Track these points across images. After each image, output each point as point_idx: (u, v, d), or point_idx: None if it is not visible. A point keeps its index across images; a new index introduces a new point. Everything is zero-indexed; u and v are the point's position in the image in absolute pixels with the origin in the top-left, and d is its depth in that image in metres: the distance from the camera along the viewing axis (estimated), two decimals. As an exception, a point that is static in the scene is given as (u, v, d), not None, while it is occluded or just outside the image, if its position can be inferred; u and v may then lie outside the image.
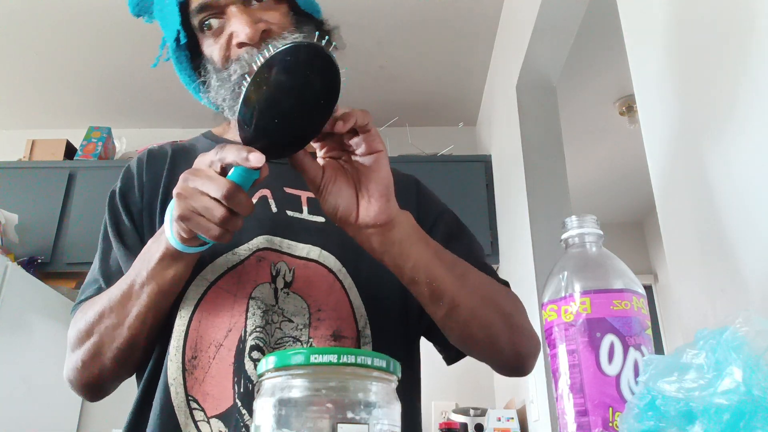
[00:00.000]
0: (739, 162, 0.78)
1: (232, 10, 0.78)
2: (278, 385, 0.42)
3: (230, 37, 0.78)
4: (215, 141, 0.92)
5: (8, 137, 3.31)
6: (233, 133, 0.92)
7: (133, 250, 0.82)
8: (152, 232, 0.82)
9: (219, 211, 0.60)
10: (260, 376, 0.44)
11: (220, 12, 0.79)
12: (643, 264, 4.42)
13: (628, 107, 3.14)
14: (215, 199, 0.60)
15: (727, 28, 0.82)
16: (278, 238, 0.81)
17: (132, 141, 3.14)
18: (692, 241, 0.91)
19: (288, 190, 0.85)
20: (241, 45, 0.77)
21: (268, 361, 0.43)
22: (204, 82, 0.83)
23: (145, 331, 0.75)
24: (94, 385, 0.80)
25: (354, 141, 0.64)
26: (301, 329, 0.76)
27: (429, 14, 2.60)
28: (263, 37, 0.77)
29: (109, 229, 0.85)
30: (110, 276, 0.83)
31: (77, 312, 0.81)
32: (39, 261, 2.61)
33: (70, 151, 3.02)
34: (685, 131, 0.93)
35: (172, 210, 0.65)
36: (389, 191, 0.66)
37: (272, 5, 0.81)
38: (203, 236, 0.63)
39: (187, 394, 0.73)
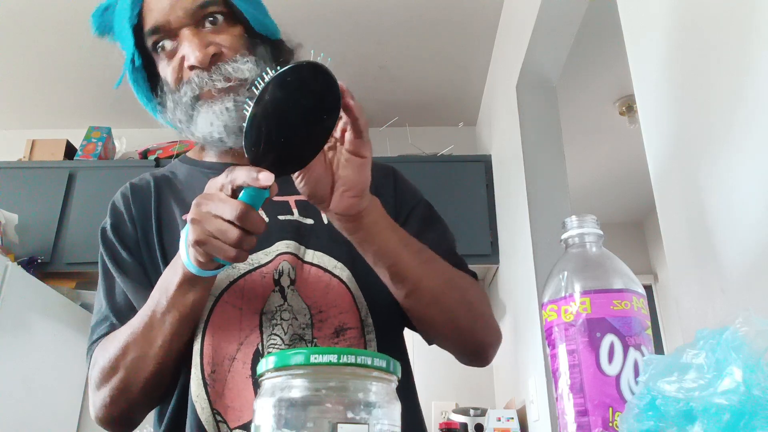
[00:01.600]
0: (739, 162, 0.78)
1: (185, 32, 0.79)
2: (278, 385, 0.42)
3: (182, 59, 0.80)
4: (194, 165, 0.93)
5: (8, 137, 3.31)
6: (210, 156, 0.93)
7: (138, 281, 0.83)
8: (153, 263, 0.83)
9: (234, 233, 0.61)
10: (260, 376, 0.44)
11: (172, 34, 0.80)
12: (643, 264, 4.42)
13: (628, 107, 3.14)
14: (229, 221, 0.61)
15: (727, 27, 0.82)
16: (268, 248, 0.82)
17: (132, 141, 3.14)
18: (692, 242, 0.91)
19: (274, 198, 0.86)
20: (192, 68, 0.79)
21: (268, 361, 0.43)
22: (161, 103, 0.85)
23: (171, 358, 0.76)
24: (123, 418, 0.80)
25: (346, 139, 0.66)
26: (304, 328, 0.78)
27: (429, 14, 2.60)
28: (213, 61, 0.79)
29: (110, 265, 0.86)
30: (120, 310, 0.83)
31: (96, 350, 0.81)
32: (39, 261, 2.61)
33: (70, 151, 3.02)
34: (685, 131, 0.93)
35: (187, 236, 0.66)
36: (363, 191, 0.68)
37: (225, 27, 0.82)
38: (220, 258, 0.64)
39: (212, 408, 0.74)
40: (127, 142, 3.11)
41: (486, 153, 2.95)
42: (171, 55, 0.81)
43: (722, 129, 0.82)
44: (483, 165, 2.83)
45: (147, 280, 0.82)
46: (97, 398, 0.79)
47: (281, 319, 0.77)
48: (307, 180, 0.67)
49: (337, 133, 0.66)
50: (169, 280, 0.72)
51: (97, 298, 0.88)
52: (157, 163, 2.87)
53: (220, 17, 0.81)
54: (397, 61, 2.89)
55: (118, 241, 0.86)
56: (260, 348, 0.76)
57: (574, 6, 1.95)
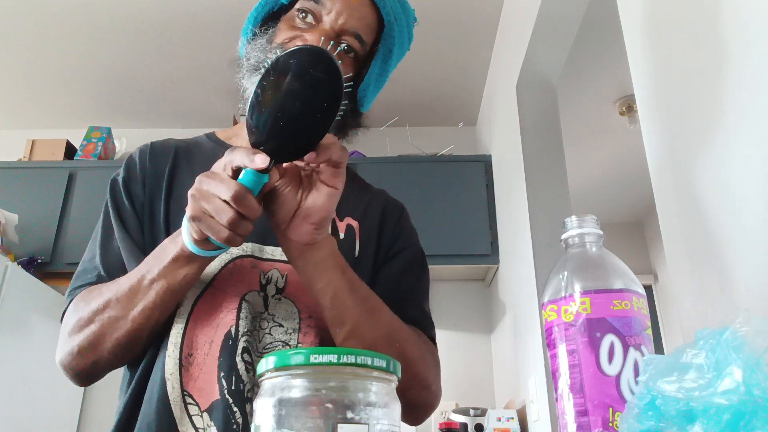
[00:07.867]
0: (739, 161, 0.78)
1: (327, 30, 0.82)
2: (278, 385, 0.42)
3: (303, 37, 0.81)
4: (217, 144, 0.94)
5: (8, 137, 3.31)
6: (242, 138, 0.93)
7: (135, 237, 0.84)
8: (152, 225, 0.84)
9: (227, 213, 0.61)
10: (260, 376, 0.44)
11: (317, 15, 0.83)
12: (643, 264, 4.42)
13: (628, 107, 3.14)
14: (225, 201, 0.61)
15: (727, 28, 0.82)
16: (263, 246, 0.82)
17: (132, 141, 3.14)
18: (693, 242, 0.91)
19: None
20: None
21: (268, 361, 0.43)
22: (255, 35, 0.86)
23: (149, 327, 0.76)
24: (87, 372, 0.81)
25: (321, 167, 0.66)
26: (290, 333, 0.78)
27: (429, 14, 2.60)
28: None
29: (112, 215, 0.86)
30: (110, 265, 0.84)
31: (77, 298, 0.82)
32: (39, 261, 2.61)
33: (70, 151, 3.02)
34: (685, 131, 0.93)
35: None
36: (324, 223, 0.69)
37: (348, 61, 0.84)
38: (213, 239, 0.64)
39: (182, 389, 0.75)
40: (127, 142, 3.11)
41: (486, 153, 2.95)
42: (298, 26, 0.83)
43: (722, 129, 0.82)
44: (483, 165, 2.84)
45: (143, 242, 0.83)
46: (67, 345, 0.80)
47: (260, 327, 0.78)
48: (273, 201, 0.67)
49: (313, 162, 0.66)
50: (166, 250, 0.72)
51: (91, 244, 0.88)
52: (157, 163, 2.87)
53: (352, 53, 0.84)
54: (397, 61, 2.89)
55: (126, 196, 0.87)
56: (234, 333, 0.76)
57: (574, 6, 1.95)
